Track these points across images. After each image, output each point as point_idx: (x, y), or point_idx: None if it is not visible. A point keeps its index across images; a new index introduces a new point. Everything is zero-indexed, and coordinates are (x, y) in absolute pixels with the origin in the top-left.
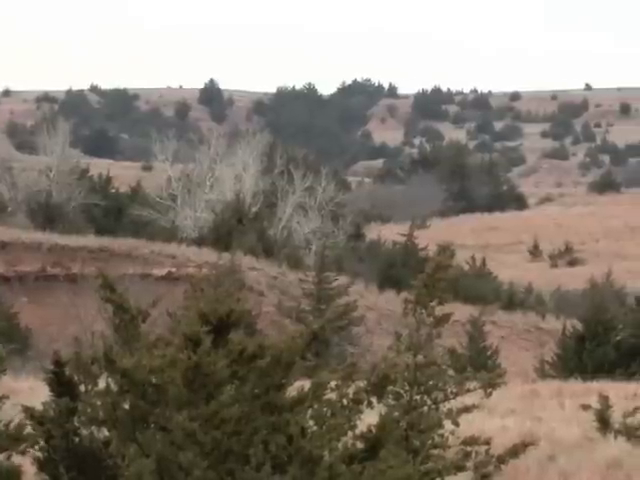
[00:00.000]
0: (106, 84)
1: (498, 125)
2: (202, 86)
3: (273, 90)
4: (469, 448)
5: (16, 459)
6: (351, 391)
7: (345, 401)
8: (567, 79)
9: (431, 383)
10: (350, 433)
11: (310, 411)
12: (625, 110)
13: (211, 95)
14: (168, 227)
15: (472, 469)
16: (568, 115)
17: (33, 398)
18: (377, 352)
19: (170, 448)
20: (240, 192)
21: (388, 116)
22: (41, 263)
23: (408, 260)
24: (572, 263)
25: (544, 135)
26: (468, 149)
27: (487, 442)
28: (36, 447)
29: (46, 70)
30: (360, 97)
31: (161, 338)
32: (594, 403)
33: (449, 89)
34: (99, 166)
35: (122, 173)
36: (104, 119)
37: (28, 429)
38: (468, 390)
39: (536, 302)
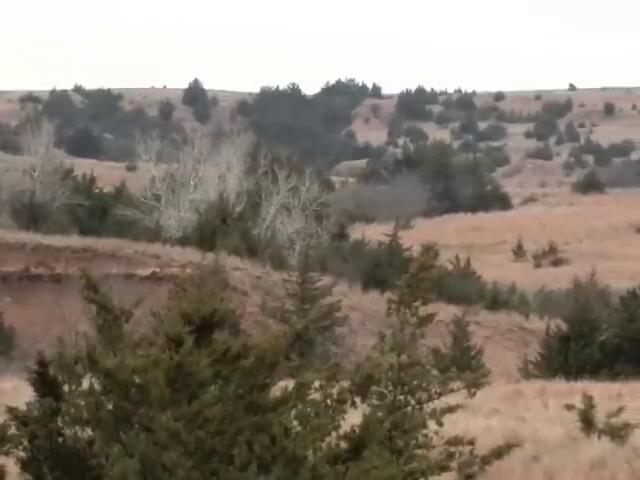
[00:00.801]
0: (90, 84)
1: (482, 125)
2: (186, 86)
3: (257, 90)
4: (453, 448)
5: (0, 459)
6: (335, 391)
7: (329, 401)
8: (551, 79)
9: (415, 383)
10: (334, 433)
11: (294, 411)
12: (609, 110)
13: (195, 95)
14: (152, 227)
15: (456, 469)
16: (552, 115)
17: (17, 398)
18: (361, 352)
19: (154, 448)
20: (224, 192)
21: (372, 116)
22: (25, 263)
23: (392, 260)
24: (556, 263)
25: (528, 135)
26: (452, 149)
27: (471, 442)
28: (20, 447)
29: (30, 70)
30: (344, 97)
31: (144, 338)
32: (578, 403)
33: (433, 89)
34: (83, 166)
35: (106, 173)
36: (88, 119)
37: (12, 429)
38: (452, 390)
39: (520, 302)
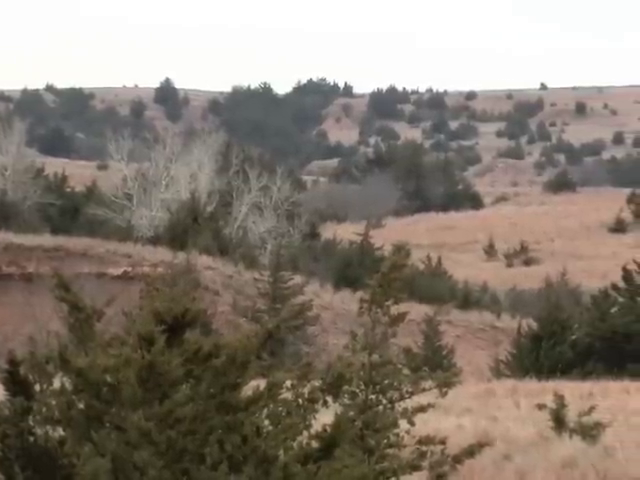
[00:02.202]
0: (61, 83)
1: (453, 124)
2: (157, 85)
3: (228, 89)
4: (424, 447)
5: None
6: (306, 390)
7: (300, 401)
8: (522, 78)
9: (386, 382)
10: (305, 432)
11: (265, 410)
12: (580, 109)
13: (166, 94)
14: (124, 226)
15: (427, 469)
16: (523, 114)
17: None
18: (332, 351)
19: (125, 447)
20: (195, 191)
21: (343, 115)
22: None
23: (363, 259)
24: (527, 262)
25: (499, 134)
26: (423, 148)
27: (442, 441)
28: None
29: (1, 69)
30: (315, 96)
31: (116, 337)
32: (549, 402)
33: (404, 88)
34: (55, 165)
35: (78, 172)
36: (60, 118)
37: None
38: (423, 389)
39: (491, 301)
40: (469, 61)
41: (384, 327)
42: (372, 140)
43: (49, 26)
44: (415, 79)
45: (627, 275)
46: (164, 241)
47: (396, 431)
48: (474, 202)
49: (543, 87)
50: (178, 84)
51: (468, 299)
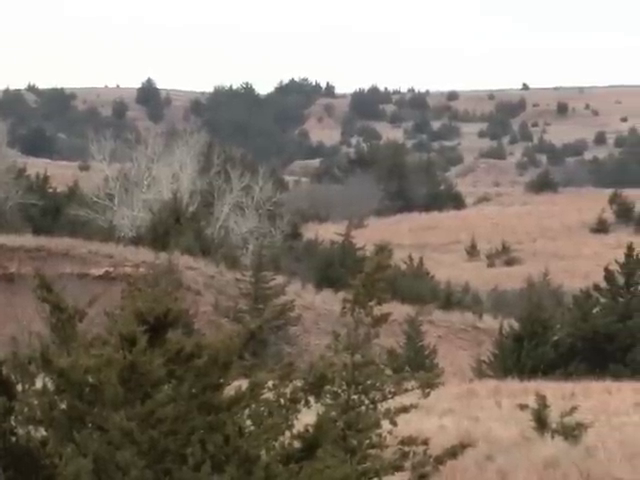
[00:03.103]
0: (43, 84)
1: (435, 124)
2: (139, 85)
3: (210, 89)
4: (407, 448)
5: None
6: (288, 391)
7: (282, 401)
8: (504, 79)
9: (369, 383)
10: (287, 433)
11: (247, 411)
12: (562, 110)
13: (148, 94)
14: (105, 227)
15: (410, 469)
16: (505, 114)
17: None
18: (314, 351)
19: (107, 448)
20: (177, 191)
21: (325, 115)
22: None
23: (345, 260)
24: (509, 263)
25: (481, 135)
26: (405, 148)
27: (425, 442)
28: None
29: None
30: (297, 96)
31: (98, 338)
32: (531, 403)
33: (386, 88)
34: (36, 165)
35: (59, 173)
36: (41, 119)
37: None
38: (406, 390)
39: (473, 302)
40: (451, 61)
41: (367, 327)
42: (354, 140)
43: (31, 26)
44: (397, 79)
45: (609, 275)
46: (146, 241)
47: (378, 431)
48: (456, 202)
49: (525, 87)
50: (160, 84)
51: (450, 299)
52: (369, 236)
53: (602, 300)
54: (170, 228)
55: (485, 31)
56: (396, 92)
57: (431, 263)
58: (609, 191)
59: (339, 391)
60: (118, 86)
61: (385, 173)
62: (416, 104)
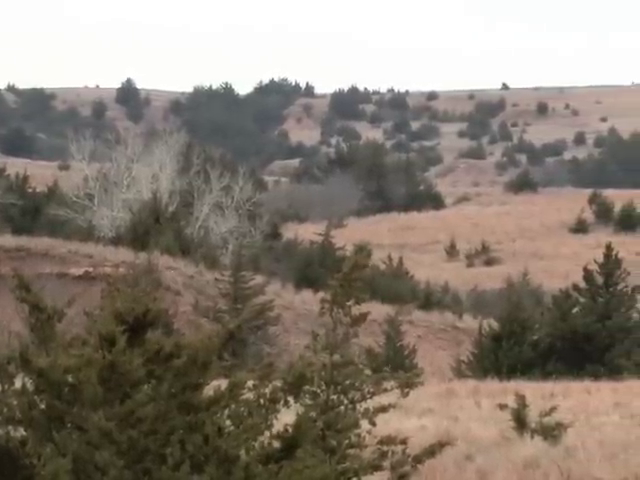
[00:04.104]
0: (23, 84)
1: (415, 125)
2: (119, 85)
3: (190, 89)
4: (386, 448)
5: None
6: (268, 391)
7: (262, 401)
8: (484, 78)
9: (348, 382)
10: (267, 433)
11: (227, 411)
12: (542, 110)
13: (128, 94)
14: (85, 226)
15: (389, 469)
16: (485, 114)
17: None
18: (294, 351)
19: (86, 448)
20: (157, 191)
21: (305, 115)
22: None
23: (325, 260)
24: (489, 263)
25: (461, 135)
26: (385, 149)
27: (404, 442)
28: None
29: None
30: (277, 96)
31: (77, 337)
32: (511, 402)
33: (366, 88)
34: (16, 165)
35: (39, 172)
36: (21, 119)
37: None
38: (385, 390)
39: (453, 301)
40: (431, 61)
41: (345, 327)
42: (333, 140)
43: (10, 26)
44: (376, 79)
45: (588, 275)
46: (125, 241)
47: (357, 431)
48: (436, 202)
49: (505, 87)
50: (139, 84)
51: (430, 299)
52: (349, 236)
53: (581, 300)
54: (150, 228)
55: (465, 31)
56: (376, 92)
57: (410, 263)
58: (589, 191)
59: (318, 391)
60: (98, 86)
61: (364, 173)
62: (396, 104)
